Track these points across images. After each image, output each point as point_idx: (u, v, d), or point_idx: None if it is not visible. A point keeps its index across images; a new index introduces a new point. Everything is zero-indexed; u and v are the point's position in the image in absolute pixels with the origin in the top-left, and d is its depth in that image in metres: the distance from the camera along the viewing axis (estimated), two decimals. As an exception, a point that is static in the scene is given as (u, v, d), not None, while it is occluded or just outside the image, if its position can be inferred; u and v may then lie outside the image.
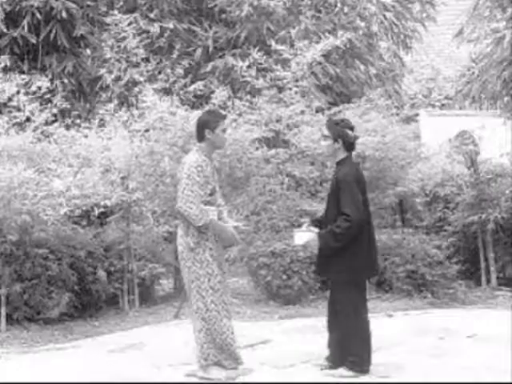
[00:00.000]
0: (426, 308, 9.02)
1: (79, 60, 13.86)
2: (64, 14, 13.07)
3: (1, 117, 9.75)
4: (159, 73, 13.11)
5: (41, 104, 10.13)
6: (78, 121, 10.73)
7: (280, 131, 10.64)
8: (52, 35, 13.26)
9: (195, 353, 6.18)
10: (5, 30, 13.06)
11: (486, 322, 8.19)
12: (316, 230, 6.17)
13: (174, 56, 13.45)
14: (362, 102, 10.57)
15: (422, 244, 9.79)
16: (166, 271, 9.65)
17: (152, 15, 14.44)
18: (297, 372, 6.34)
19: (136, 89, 11.55)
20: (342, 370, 6.12)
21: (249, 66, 12.18)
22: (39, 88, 10.62)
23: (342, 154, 6.22)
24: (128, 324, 8.52)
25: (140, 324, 8.48)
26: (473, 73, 15.82)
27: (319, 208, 9.00)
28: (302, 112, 10.68)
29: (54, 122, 10.26)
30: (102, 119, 10.92)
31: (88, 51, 14.41)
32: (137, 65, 12.55)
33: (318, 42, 12.38)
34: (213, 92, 11.26)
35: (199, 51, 14.52)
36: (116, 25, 12.91)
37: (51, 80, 12.04)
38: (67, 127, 10.50)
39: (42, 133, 9.78)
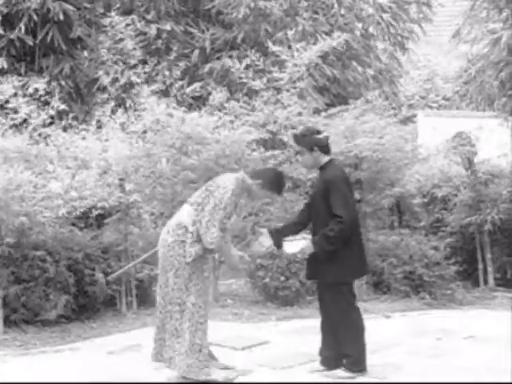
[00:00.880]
0: (423, 309, 9.02)
1: (76, 62, 13.84)
2: (61, 16, 13.05)
3: (-2, 119, 9.75)
4: (156, 74, 13.13)
5: (38, 106, 10.12)
6: (75, 123, 10.71)
7: (277, 132, 10.64)
8: (49, 37, 13.24)
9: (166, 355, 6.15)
10: (2, 32, 13.04)
11: (484, 322, 8.20)
12: (309, 236, 6.17)
13: (171, 58, 13.46)
14: (359, 104, 10.56)
15: (419, 245, 9.79)
16: (163, 273, 9.62)
17: (149, 17, 14.44)
18: (295, 373, 6.35)
19: (133, 90, 11.57)
20: (339, 372, 6.13)
21: (246, 68, 12.19)
22: (36, 90, 10.62)
23: (323, 159, 6.22)
24: (126, 326, 8.51)
25: (138, 326, 8.47)
26: (470, 74, 15.82)
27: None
28: (299, 113, 10.68)
29: (51, 123, 10.25)
30: (99, 121, 10.91)
31: (85, 53, 14.39)
32: (134, 66, 12.56)
33: (315, 44, 12.39)
34: (210, 93, 11.28)
35: (196, 53, 14.52)
36: (113, 26, 12.92)
37: (48, 82, 12.02)
38: (64, 129, 10.49)
39: (39, 135, 9.77)
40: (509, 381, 5.91)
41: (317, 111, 11.30)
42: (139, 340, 7.68)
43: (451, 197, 10.68)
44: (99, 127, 10.69)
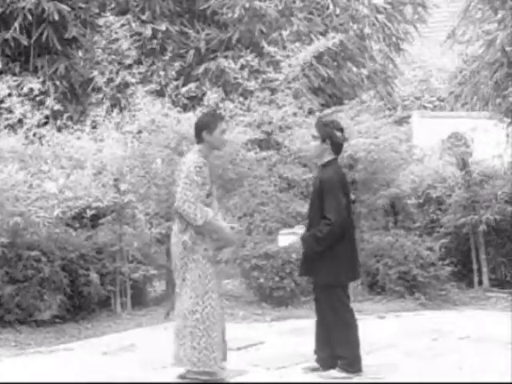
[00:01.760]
0: (418, 309, 9.03)
1: (71, 62, 13.82)
2: (56, 16, 13.03)
3: (-8, 119, 9.74)
4: (151, 75, 13.12)
5: (33, 106, 10.10)
6: (70, 123, 10.70)
7: (272, 133, 10.64)
8: (44, 37, 13.21)
9: (181, 355, 6.15)
10: (-4, 32, 13.03)
11: (479, 323, 8.20)
12: (300, 231, 6.19)
13: (167, 58, 13.44)
14: (354, 104, 10.57)
15: (414, 245, 9.80)
16: (158, 273, 9.63)
17: (144, 17, 14.42)
18: (290, 373, 6.35)
19: (128, 91, 11.54)
20: (334, 372, 6.14)
21: (241, 68, 12.16)
22: (31, 90, 10.59)
23: (328, 156, 6.22)
24: (120, 326, 8.50)
25: (132, 326, 8.46)
26: (464, 74, 15.85)
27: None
28: (294, 114, 10.67)
29: (45, 123, 10.23)
30: (94, 121, 10.89)
31: (80, 53, 14.36)
32: (129, 67, 12.52)
33: (309, 44, 12.37)
34: (205, 94, 11.26)
35: (191, 53, 14.51)
36: (108, 27, 12.88)
37: (43, 82, 12.00)
38: (59, 129, 10.48)
39: (34, 135, 9.75)
40: (509, 381, 5.91)
41: (312, 112, 11.29)
42: (134, 340, 7.68)
43: (446, 197, 10.68)
44: (94, 127, 10.67)
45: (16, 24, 13.03)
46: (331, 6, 15.17)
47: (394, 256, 9.58)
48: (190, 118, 9.48)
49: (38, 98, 10.57)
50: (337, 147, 6.23)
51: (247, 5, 13.93)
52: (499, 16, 10.48)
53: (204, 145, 6.21)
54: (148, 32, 14.15)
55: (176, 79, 12.25)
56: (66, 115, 11.00)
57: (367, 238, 10.09)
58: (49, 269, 8.35)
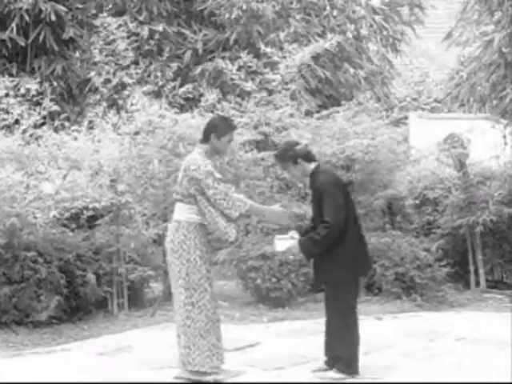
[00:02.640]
0: (415, 311, 9.03)
1: (68, 62, 13.81)
2: (53, 17, 13.02)
3: (-11, 120, 9.71)
4: (148, 75, 13.11)
5: (30, 107, 10.07)
6: (67, 123, 10.67)
7: (269, 134, 10.64)
8: (41, 37, 13.21)
9: (179, 355, 6.16)
10: (-7, 33, 13.02)
11: (476, 324, 8.21)
12: (297, 236, 6.21)
13: (164, 59, 13.44)
14: (351, 105, 10.57)
15: (411, 247, 9.80)
16: (155, 274, 9.62)
17: (141, 18, 14.42)
18: (286, 374, 6.35)
19: (125, 91, 11.53)
20: (332, 373, 6.14)
21: (238, 69, 12.18)
22: (28, 90, 10.57)
23: (309, 167, 6.29)
24: (117, 327, 8.49)
25: (129, 327, 8.46)
26: (461, 76, 15.85)
27: (308, 211, 9.01)
28: (292, 115, 10.68)
29: (42, 124, 10.20)
30: (91, 122, 10.88)
31: (77, 54, 14.36)
32: (126, 67, 12.53)
33: (307, 45, 12.40)
34: (202, 95, 11.26)
35: (188, 54, 14.51)
36: (105, 27, 12.89)
37: (40, 82, 11.97)
38: (56, 130, 10.45)
39: (30, 135, 9.73)
40: (507, 381, 5.92)
41: (309, 113, 11.30)
42: (130, 341, 7.68)
43: (443, 198, 10.68)
44: (91, 128, 10.66)
45: (13, 24, 13.03)
46: (328, 8, 15.19)
47: (390, 257, 9.58)
48: (187, 119, 9.48)
49: (34, 99, 10.54)
50: (308, 157, 6.29)
51: (244, 6, 13.94)
52: (496, 17, 10.49)
53: (209, 147, 6.24)
54: (145, 33, 14.15)
55: (173, 80, 12.25)
56: (63, 116, 10.97)
57: (364, 239, 10.08)
58: (46, 270, 8.34)
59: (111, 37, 12.83)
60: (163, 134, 9.33)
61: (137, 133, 9.72)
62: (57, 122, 10.64)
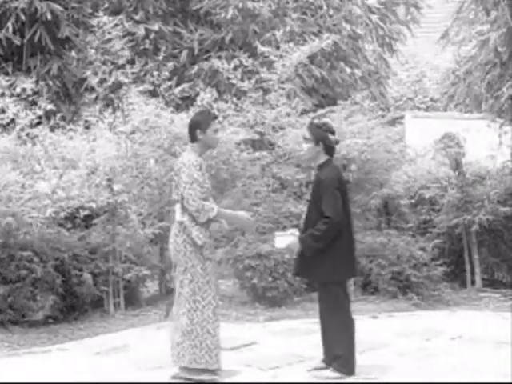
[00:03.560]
0: (411, 310, 9.04)
1: (64, 62, 13.78)
2: (49, 16, 13.00)
3: (-15, 119, 9.70)
4: (144, 75, 13.07)
5: (25, 106, 10.07)
6: (62, 123, 10.67)
7: (265, 133, 10.64)
8: (37, 37, 13.18)
9: (175, 354, 6.16)
10: (-12, 32, 12.98)
11: (472, 323, 8.22)
12: (297, 233, 6.21)
13: (160, 58, 13.41)
14: (347, 105, 10.57)
15: (407, 246, 9.81)
16: (151, 273, 9.62)
17: (137, 17, 14.42)
18: (283, 374, 6.35)
19: (121, 91, 11.52)
20: (327, 372, 6.14)
21: (234, 68, 12.16)
22: (24, 90, 10.56)
23: (322, 158, 6.26)
24: (113, 327, 8.49)
25: (125, 326, 8.45)
26: (457, 75, 15.86)
27: (304, 210, 9.02)
28: (288, 114, 10.67)
29: (38, 123, 10.20)
30: (87, 121, 10.87)
31: (73, 53, 14.31)
32: (122, 67, 12.49)
33: (303, 44, 12.37)
34: (198, 94, 11.25)
35: (185, 53, 14.51)
36: (101, 27, 12.85)
37: (36, 82, 11.96)
38: (52, 129, 10.45)
39: (26, 135, 9.72)
40: (506, 381, 5.92)
41: (305, 112, 11.29)
42: (127, 340, 7.67)
43: (439, 198, 10.69)
44: (87, 127, 10.66)
45: (9, 24, 12.99)
46: (324, 7, 15.18)
47: (386, 256, 9.60)
48: (183, 119, 9.48)
49: (30, 98, 10.54)
50: (330, 149, 6.27)
51: (240, 5, 13.94)
52: (492, 17, 10.49)
53: (198, 144, 6.27)
54: (141, 32, 14.14)
55: (169, 79, 12.21)
56: (58, 115, 10.96)
57: (360, 238, 10.06)
58: (41, 269, 8.34)
59: (107, 36, 12.79)
60: (159, 134, 9.33)
61: (133, 132, 9.72)
62: (53, 122, 10.63)
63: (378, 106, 12.43)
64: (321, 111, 10.91)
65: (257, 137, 10.44)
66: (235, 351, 7.10)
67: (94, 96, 12.89)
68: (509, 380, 5.90)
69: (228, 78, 12.18)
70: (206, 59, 14.34)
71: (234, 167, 9.70)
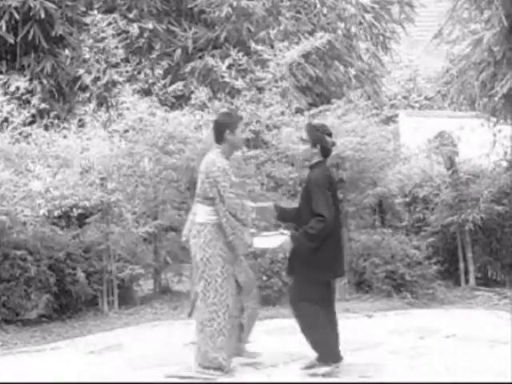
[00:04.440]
0: (405, 308, 9.04)
1: (58, 60, 13.74)
2: (42, 14, 12.96)
3: (-22, 118, 9.67)
4: (138, 73, 13.08)
5: (19, 104, 10.05)
6: (56, 121, 10.65)
7: (260, 132, 10.63)
8: (30, 35, 13.14)
9: (196, 353, 6.23)
10: (-18, 31, 12.94)
11: (465, 321, 8.23)
12: (288, 232, 6.21)
13: (154, 56, 13.42)
14: (341, 103, 10.57)
15: (401, 244, 9.82)
16: (145, 272, 9.62)
17: (131, 15, 14.38)
18: (278, 372, 6.35)
19: (115, 89, 11.51)
20: (316, 368, 6.15)
21: (228, 67, 12.16)
22: (17, 88, 10.54)
23: (317, 159, 6.27)
24: (107, 325, 8.48)
25: (119, 325, 8.44)
26: (451, 74, 15.88)
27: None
28: (282, 113, 10.67)
29: (32, 122, 10.18)
30: (81, 120, 10.86)
31: (67, 51, 14.27)
32: (116, 65, 12.49)
33: (297, 43, 12.38)
34: (192, 92, 11.24)
35: (179, 52, 14.49)
36: (95, 25, 12.84)
37: (29, 80, 11.93)
38: (46, 128, 10.43)
39: (20, 133, 9.70)
40: (506, 380, 5.93)
41: (299, 111, 11.29)
42: (120, 340, 7.67)
43: (433, 196, 10.71)
44: (81, 126, 10.63)
45: (2, 22, 12.95)
46: (318, 5, 15.19)
47: (381, 255, 9.60)
48: (178, 117, 9.47)
49: (24, 97, 10.51)
50: (326, 151, 6.30)
51: (234, 3, 13.92)
52: (485, 16, 10.50)
53: (226, 145, 6.28)
54: (135, 30, 14.09)
55: (163, 78, 12.23)
56: (52, 114, 10.94)
57: (354, 236, 10.10)
58: (35, 268, 8.33)
59: (101, 34, 12.78)
60: (153, 132, 9.32)
61: (127, 131, 9.71)
62: (46, 120, 10.60)
63: (373, 105, 12.42)
64: (315, 109, 10.91)
65: (251, 135, 10.43)
66: (229, 350, 7.09)
67: (87, 94, 12.89)
68: (504, 379, 5.91)
69: (222, 77, 12.17)
70: (200, 58, 14.32)
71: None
